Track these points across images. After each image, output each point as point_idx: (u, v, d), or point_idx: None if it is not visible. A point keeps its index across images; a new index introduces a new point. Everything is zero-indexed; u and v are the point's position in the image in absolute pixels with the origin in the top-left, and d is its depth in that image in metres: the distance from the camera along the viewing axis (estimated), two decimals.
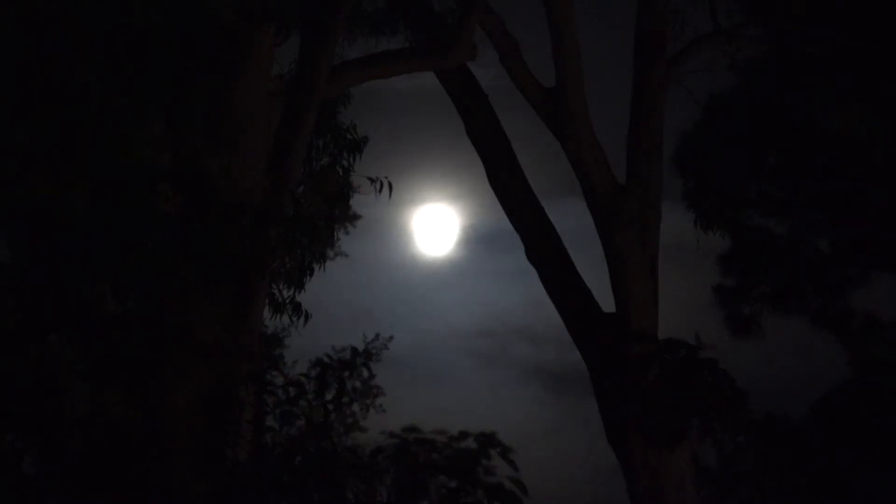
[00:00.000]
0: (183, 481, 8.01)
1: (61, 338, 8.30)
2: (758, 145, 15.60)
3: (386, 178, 11.88)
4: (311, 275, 13.78)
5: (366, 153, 14.73)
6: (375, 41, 15.15)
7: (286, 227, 10.81)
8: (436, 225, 19.34)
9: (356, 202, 14.43)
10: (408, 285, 22.40)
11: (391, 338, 9.33)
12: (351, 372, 8.91)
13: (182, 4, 9.08)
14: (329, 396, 8.81)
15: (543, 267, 14.59)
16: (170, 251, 8.69)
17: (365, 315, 21.80)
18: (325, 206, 13.74)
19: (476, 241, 22.39)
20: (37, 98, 8.36)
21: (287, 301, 13.45)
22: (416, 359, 22.52)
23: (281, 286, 13.69)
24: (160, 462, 8.02)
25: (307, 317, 13.48)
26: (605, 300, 14.38)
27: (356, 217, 13.85)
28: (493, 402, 22.24)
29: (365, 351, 9.10)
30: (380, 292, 22.83)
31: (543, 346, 22.96)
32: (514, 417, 21.33)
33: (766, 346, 15.89)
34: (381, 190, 11.86)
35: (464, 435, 7.21)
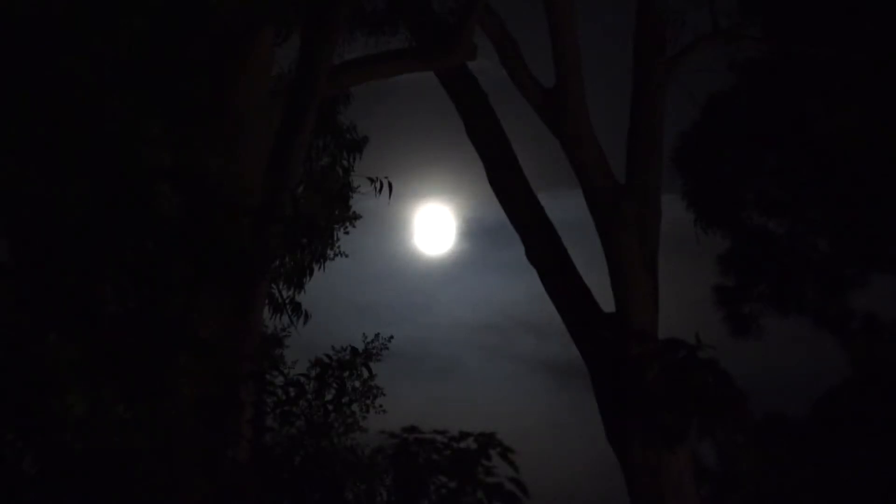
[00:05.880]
0: (183, 481, 8.01)
1: (61, 338, 8.30)
2: (758, 145, 15.62)
3: (386, 177, 11.87)
4: (311, 275, 13.79)
5: (367, 148, 14.74)
6: (375, 41, 15.15)
7: (286, 227, 10.82)
8: (439, 219, 19.34)
9: (358, 197, 14.44)
10: (411, 280, 22.41)
11: (391, 338, 9.34)
12: (351, 372, 8.91)
13: (182, 4, 9.08)
14: (329, 396, 8.81)
15: (543, 267, 14.59)
16: (170, 251, 8.69)
17: (369, 311, 21.84)
18: (325, 206, 13.76)
19: (479, 234, 22.41)
20: (37, 97, 8.36)
21: (287, 301, 13.46)
22: (420, 353, 22.55)
23: (281, 286, 13.70)
24: (160, 462, 8.02)
25: (307, 317, 13.49)
26: (606, 300, 14.39)
27: (356, 217, 13.87)
28: (498, 396, 22.25)
29: (365, 351, 9.11)
30: (383, 288, 22.85)
31: (548, 340, 22.95)
32: (518, 411, 21.33)
33: (766, 346, 15.91)
34: (380, 190, 11.85)
35: (464, 435, 7.20)
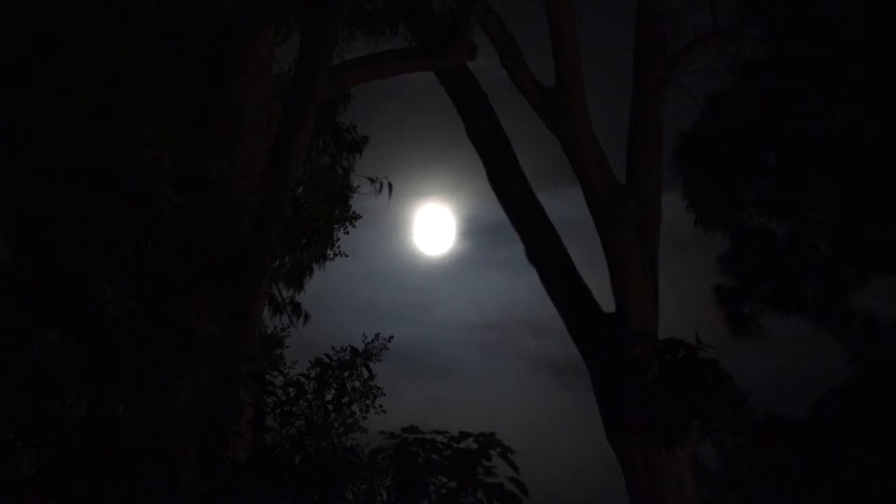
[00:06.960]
0: (183, 481, 8.01)
1: (61, 338, 8.30)
2: (758, 145, 15.63)
3: (385, 177, 11.89)
4: (311, 275, 13.80)
5: (367, 148, 14.75)
6: (375, 41, 15.15)
7: (286, 227, 10.81)
8: (439, 219, 19.33)
9: (358, 197, 14.43)
10: (411, 280, 22.40)
11: (391, 338, 9.32)
12: (351, 372, 8.90)
13: (182, 4, 9.08)
14: (329, 396, 8.81)
15: (543, 267, 14.59)
16: (170, 251, 8.69)
17: (369, 311, 21.84)
18: (325, 206, 13.74)
19: (480, 232, 22.39)
20: (37, 97, 8.36)
21: (287, 301, 13.46)
22: (421, 352, 22.55)
23: (281, 286, 13.70)
24: (160, 462, 8.02)
25: (307, 317, 13.49)
26: (606, 300, 14.39)
27: (356, 217, 13.87)
28: (499, 395, 22.25)
29: (365, 351, 9.09)
30: (383, 288, 22.85)
31: (548, 339, 22.93)
32: (519, 410, 21.33)
33: (766, 346, 15.91)
34: (380, 190, 11.87)
35: (464, 435, 7.20)
